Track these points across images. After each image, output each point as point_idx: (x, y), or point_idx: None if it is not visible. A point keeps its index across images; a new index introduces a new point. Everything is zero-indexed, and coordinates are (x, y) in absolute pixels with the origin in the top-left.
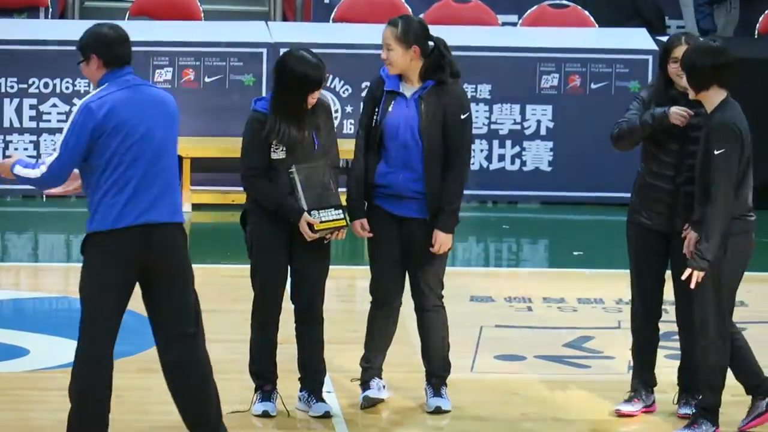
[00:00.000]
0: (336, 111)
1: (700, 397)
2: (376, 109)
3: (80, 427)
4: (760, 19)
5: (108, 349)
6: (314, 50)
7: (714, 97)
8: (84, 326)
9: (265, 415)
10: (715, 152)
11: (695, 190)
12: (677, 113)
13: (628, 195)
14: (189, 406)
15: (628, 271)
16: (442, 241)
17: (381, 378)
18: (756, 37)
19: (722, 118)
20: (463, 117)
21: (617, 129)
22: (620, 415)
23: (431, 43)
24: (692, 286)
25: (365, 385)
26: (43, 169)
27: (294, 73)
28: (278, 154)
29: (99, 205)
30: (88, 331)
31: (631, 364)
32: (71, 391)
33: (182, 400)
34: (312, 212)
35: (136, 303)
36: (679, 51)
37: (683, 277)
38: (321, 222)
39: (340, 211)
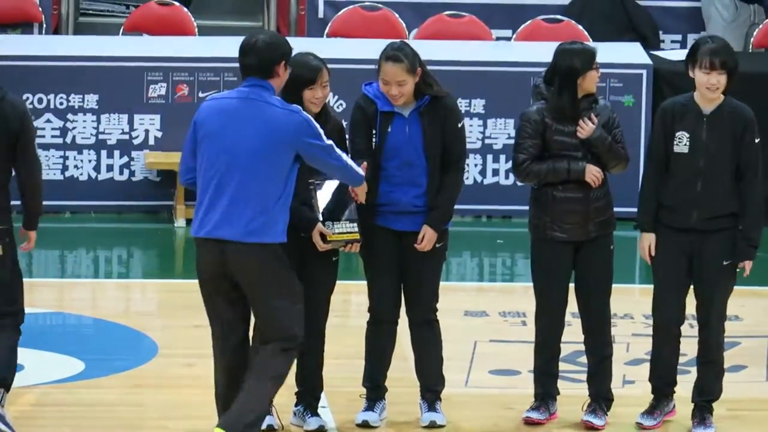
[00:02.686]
0: None
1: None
2: (374, 131)
3: None
4: (754, 33)
5: (223, 358)
6: None
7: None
8: None
9: (270, 429)
10: (756, 141)
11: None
12: (593, 174)
13: (624, 209)
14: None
15: (621, 285)
16: (429, 237)
17: (384, 398)
18: (751, 51)
19: (749, 109)
20: (459, 126)
21: (527, 166)
22: (527, 422)
23: None
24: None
25: (371, 404)
26: None
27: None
28: None
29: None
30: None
31: (626, 378)
32: None
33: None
34: (326, 223)
35: (127, 318)
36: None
37: (746, 275)
38: (334, 233)
39: (355, 225)
